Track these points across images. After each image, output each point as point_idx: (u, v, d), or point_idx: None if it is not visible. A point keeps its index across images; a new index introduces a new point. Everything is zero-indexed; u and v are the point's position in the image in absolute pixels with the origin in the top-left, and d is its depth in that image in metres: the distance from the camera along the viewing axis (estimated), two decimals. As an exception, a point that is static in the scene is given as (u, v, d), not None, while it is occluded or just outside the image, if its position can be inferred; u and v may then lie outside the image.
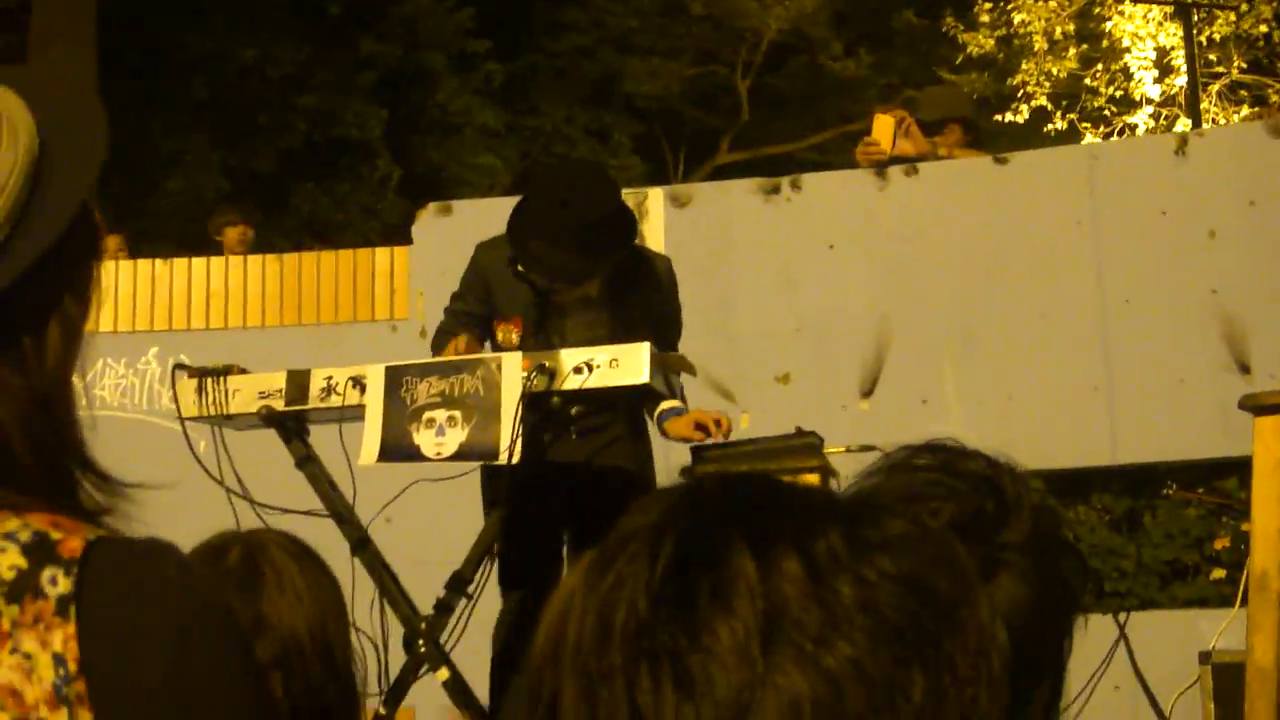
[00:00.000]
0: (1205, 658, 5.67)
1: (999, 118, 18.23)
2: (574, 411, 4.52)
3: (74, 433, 1.21)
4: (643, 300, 4.90)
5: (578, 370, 4.23)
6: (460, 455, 4.32)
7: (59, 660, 1.07)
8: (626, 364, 4.22)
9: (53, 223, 1.17)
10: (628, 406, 4.81)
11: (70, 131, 1.20)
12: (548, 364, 4.24)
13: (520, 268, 4.70)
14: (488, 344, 4.90)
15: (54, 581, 1.09)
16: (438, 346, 4.92)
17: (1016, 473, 1.64)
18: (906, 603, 1.01)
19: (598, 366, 4.22)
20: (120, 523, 1.19)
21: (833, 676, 0.96)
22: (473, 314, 4.93)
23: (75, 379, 1.23)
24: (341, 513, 4.56)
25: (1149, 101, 18.31)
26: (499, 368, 4.30)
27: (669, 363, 4.44)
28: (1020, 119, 18.43)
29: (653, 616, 1.00)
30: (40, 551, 1.10)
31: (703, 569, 1.00)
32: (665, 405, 4.78)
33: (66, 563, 1.09)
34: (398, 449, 4.36)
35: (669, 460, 5.44)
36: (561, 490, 4.60)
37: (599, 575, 1.07)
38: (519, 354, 4.32)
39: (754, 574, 0.98)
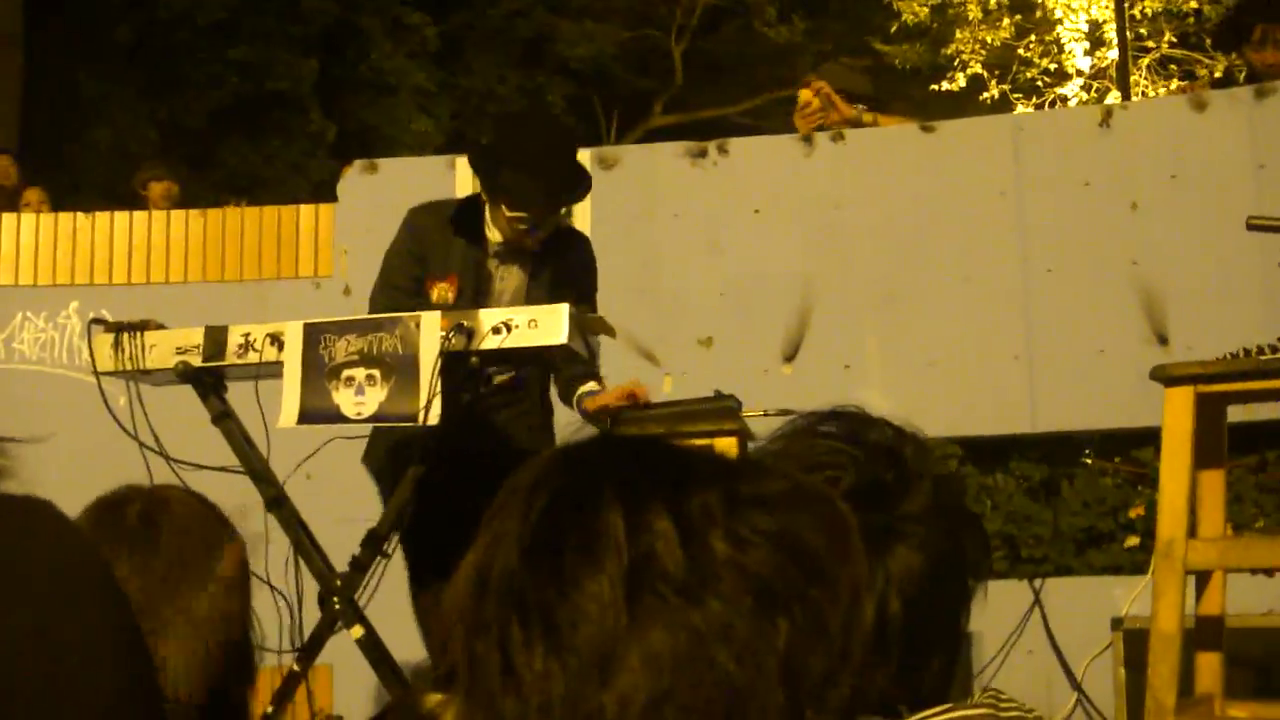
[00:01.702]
0: (1117, 624, 5.75)
1: (934, 87, 18.29)
2: (495, 381, 4.53)
3: None
4: (570, 274, 4.93)
5: (496, 330, 4.22)
6: (379, 417, 4.31)
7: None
8: (545, 324, 4.22)
9: None
10: (537, 389, 4.88)
11: None
12: (466, 323, 4.23)
13: (508, 211, 4.67)
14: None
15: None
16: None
17: (921, 443, 1.66)
18: (778, 560, 1.02)
19: (517, 327, 4.22)
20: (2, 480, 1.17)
21: (697, 630, 0.97)
22: (405, 293, 4.90)
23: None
24: (257, 470, 4.54)
25: (1080, 74, 18.44)
26: (418, 326, 4.28)
27: (588, 324, 4.43)
28: (955, 88, 18.50)
29: (524, 570, 1.01)
30: None
31: (572, 524, 1.01)
32: (584, 388, 4.82)
33: None
34: (317, 411, 4.33)
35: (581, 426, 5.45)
36: (475, 450, 4.59)
37: (482, 532, 1.08)
38: (437, 313, 4.31)
39: (622, 529, 0.99)
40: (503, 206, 4.67)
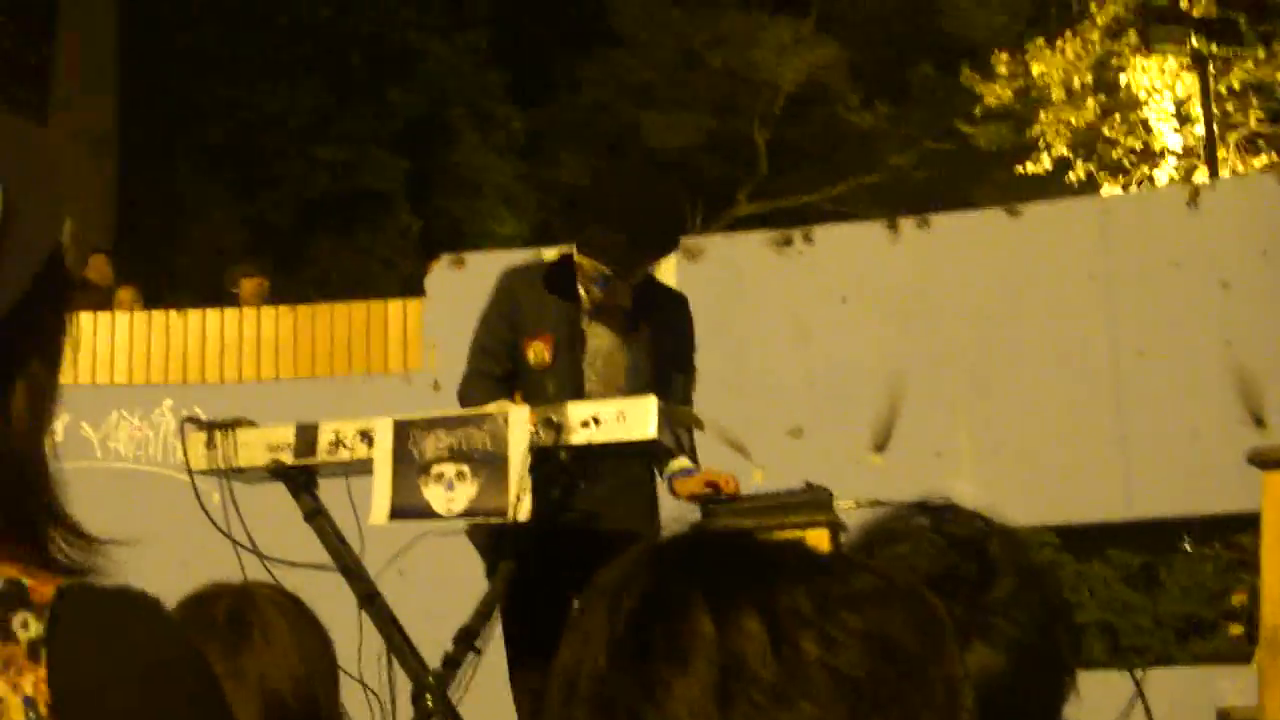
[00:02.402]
0: (1223, 716, 5.63)
1: (1019, 169, 18.24)
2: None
3: (47, 490, 1.21)
4: (665, 336, 4.93)
5: (585, 424, 4.22)
6: (470, 512, 4.31)
7: (29, 703, 1.07)
8: (634, 418, 4.22)
9: (15, 281, 1.16)
10: (638, 461, 4.81)
11: (34, 185, 1.19)
12: (554, 417, 4.24)
13: (579, 257, 4.70)
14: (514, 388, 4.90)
15: (25, 626, 1.09)
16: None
17: (1009, 533, 1.64)
18: (871, 660, 1.01)
19: (604, 420, 4.22)
20: (97, 578, 1.20)
21: None
22: (497, 375, 4.91)
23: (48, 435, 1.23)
24: (350, 567, 4.55)
25: (1171, 153, 18.31)
26: (506, 421, 4.30)
27: (677, 417, 4.43)
28: (1041, 170, 18.43)
29: (612, 674, 1.00)
30: (12, 598, 1.10)
31: (660, 625, 1.01)
32: (676, 465, 4.77)
33: (38, 607, 1.10)
34: (408, 507, 4.35)
35: (684, 519, 5.43)
36: (568, 544, 4.58)
37: (570, 631, 1.08)
38: (525, 408, 4.32)
39: (712, 631, 0.99)
40: (575, 253, 4.71)
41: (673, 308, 5.03)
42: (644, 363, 4.81)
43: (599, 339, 4.88)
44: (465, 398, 4.90)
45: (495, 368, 4.84)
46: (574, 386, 4.76)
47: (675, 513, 5.00)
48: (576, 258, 4.71)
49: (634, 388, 4.75)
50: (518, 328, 4.87)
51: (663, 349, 4.88)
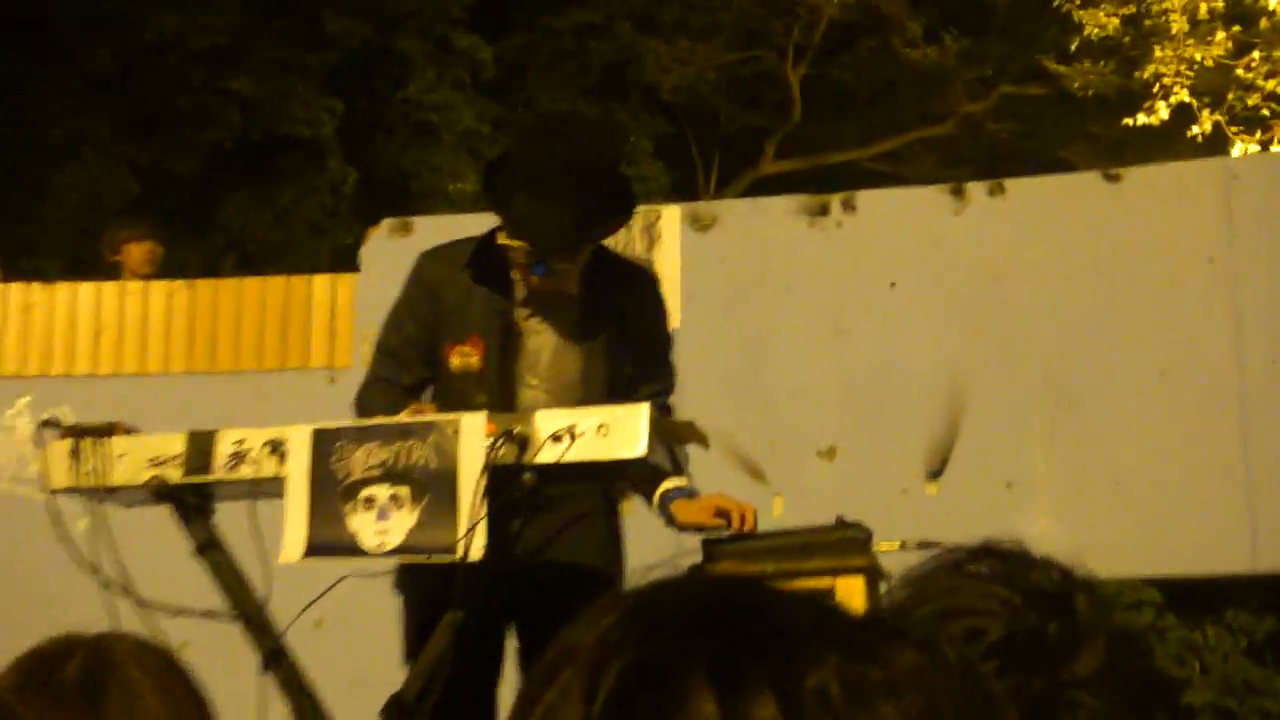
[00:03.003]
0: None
1: (1127, 120, 18.15)
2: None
3: None
4: (631, 328, 4.92)
5: (556, 438, 4.21)
6: (408, 549, 4.30)
7: None
8: (619, 431, 4.21)
9: None
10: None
11: None
12: (518, 429, 4.23)
13: (504, 239, 4.69)
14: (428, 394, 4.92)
15: None
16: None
17: (1095, 591, 1.64)
18: None
19: (582, 434, 4.21)
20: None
21: None
22: (405, 385, 4.91)
23: None
24: (251, 615, 4.54)
25: None
26: (456, 432, 4.29)
27: (674, 432, 4.43)
28: (1154, 121, 18.29)
29: None
30: None
31: (651, 710, 0.99)
32: (670, 484, 4.76)
33: None
34: (328, 541, 4.34)
35: (681, 549, 5.41)
36: (510, 583, 4.57)
37: (526, 707, 1.06)
38: (482, 416, 4.31)
39: (716, 718, 0.97)
40: (500, 235, 4.70)
41: (638, 289, 5.03)
42: (600, 365, 4.82)
43: (539, 337, 4.88)
44: (364, 411, 4.89)
45: (404, 375, 4.87)
46: (508, 398, 4.77)
47: (663, 548, 4.99)
48: (502, 240, 4.71)
49: (591, 397, 4.75)
50: (437, 328, 4.87)
51: (626, 345, 4.87)
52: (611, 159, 4.90)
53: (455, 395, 4.78)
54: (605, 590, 4.94)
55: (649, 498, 4.84)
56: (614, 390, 4.78)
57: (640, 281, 5.06)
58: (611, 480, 4.79)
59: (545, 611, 4.62)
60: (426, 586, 4.67)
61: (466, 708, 4.72)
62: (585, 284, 4.84)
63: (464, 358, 4.83)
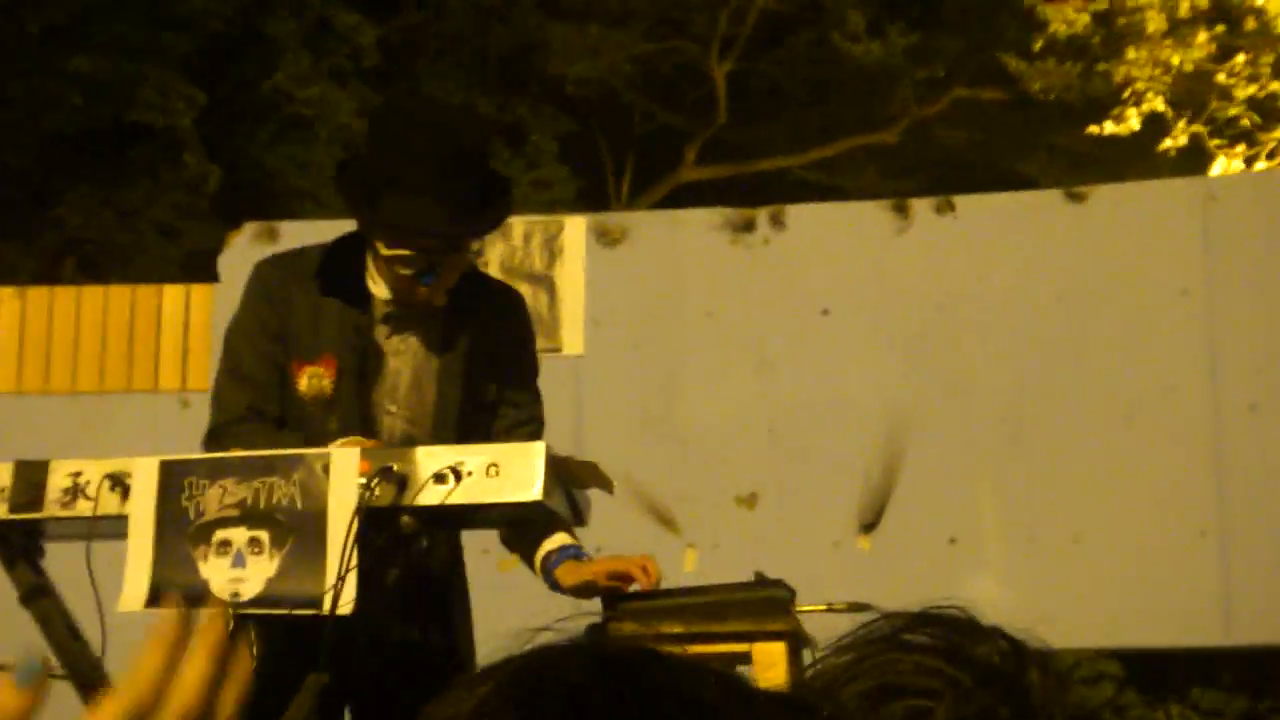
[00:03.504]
0: None
1: (1093, 129, 18.23)
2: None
3: None
4: (498, 349, 4.92)
5: (440, 478, 4.21)
6: (266, 602, 4.28)
7: None
8: (512, 472, 4.21)
9: None
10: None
11: None
12: (396, 467, 4.24)
13: (386, 250, 4.66)
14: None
15: None
16: None
17: (1051, 667, 1.66)
18: None
19: (470, 473, 4.21)
20: None
21: None
22: (274, 417, 4.86)
23: None
24: (85, 672, 4.53)
25: None
26: (326, 470, 4.28)
27: (574, 474, 4.43)
28: (1124, 131, 18.36)
29: None
30: None
31: None
32: (553, 543, 4.76)
33: None
34: (177, 590, 4.33)
35: (578, 606, 5.41)
36: (354, 646, 4.56)
37: None
38: (355, 451, 4.31)
39: None
40: (379, 244, 4.67)
41: (506, 309, 5.03)
42: (456, 389, 4.81)
43: (400, 358, 4.87)
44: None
45: (270, 406, 4.78)
46: (367, 425, 4.75)
47: (561, 605, 4.99)
48: (385, 252, 4.66)
49: (444, 425, 4.76)
50: (285, 342, 4.83)
51: (489, 370, 4.88)
52: (478, 143, 4.88)
53: (302, 424, 4.76)
54: (464, 659, 4.95)
55: (529, 559, 4.82)
56: (471, 419, 4.79)
57: (508, 301, 5.05)
58: (501, 527, 4.79)
59: (387, 694, 4.63)
60: (275, 639, 4.65)
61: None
62: (449, 301, 4.84)
63: (314, 380, 4.78)
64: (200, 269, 11.81)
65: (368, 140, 4.93)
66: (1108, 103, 18.46)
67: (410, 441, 4.64)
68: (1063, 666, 1.66)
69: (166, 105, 18.37)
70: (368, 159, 4.82)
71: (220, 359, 4.98)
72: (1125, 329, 7.08)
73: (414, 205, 4.60)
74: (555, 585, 4.74)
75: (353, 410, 4.73)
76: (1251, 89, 18.13)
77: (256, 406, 4.78)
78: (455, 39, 20.96)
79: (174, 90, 18.44)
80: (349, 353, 4.78)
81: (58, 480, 4.46)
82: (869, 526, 6.98)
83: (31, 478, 4.47)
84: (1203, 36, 18.45)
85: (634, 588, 4.76)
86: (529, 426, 4.93)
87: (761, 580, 4.76)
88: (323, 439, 4.59)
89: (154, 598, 4.33)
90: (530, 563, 4.80)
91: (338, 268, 4.82)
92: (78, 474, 4.45)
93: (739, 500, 7.03)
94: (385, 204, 4.63)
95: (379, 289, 4.77)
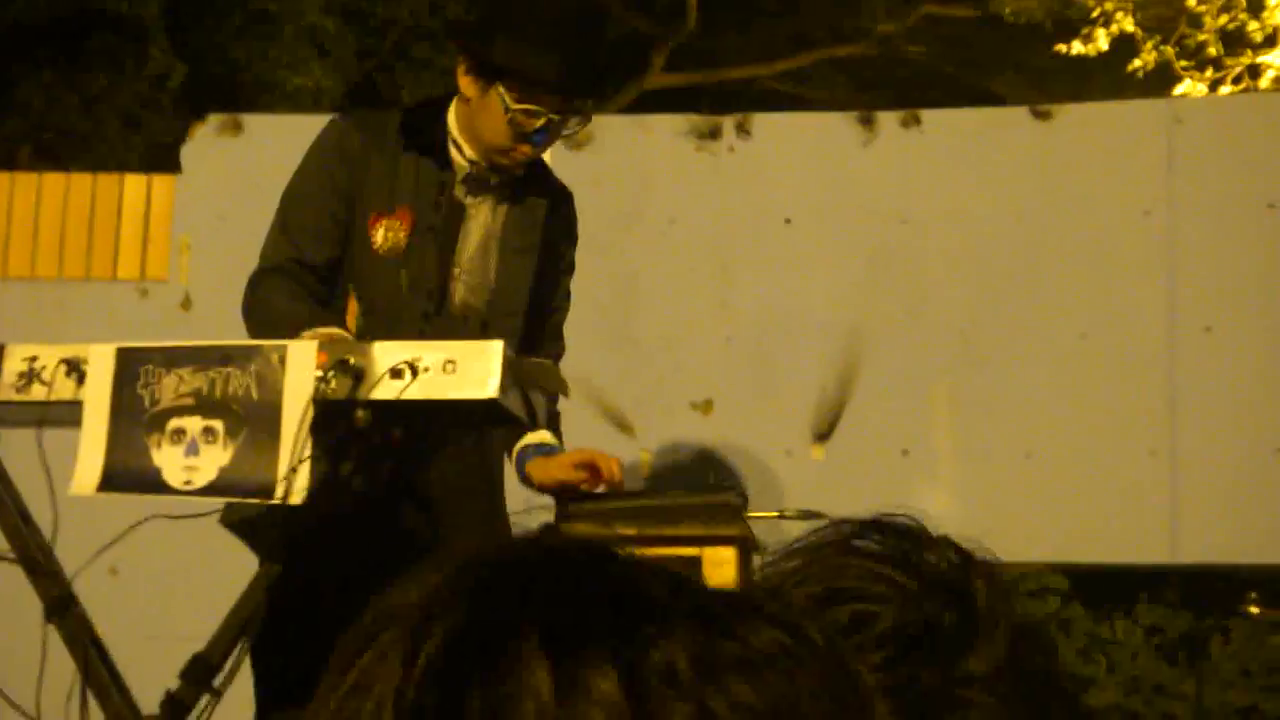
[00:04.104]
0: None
1: (1060, 48, 18.20)
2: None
3: None
4: (557, 236, 4.97)
5: (396, 373, 4.22)
6: (219, 488, 4.30)
7: None
8: (468, 369, 4.23)
9: None
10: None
11: None
12: (353, 360, 4.24)
13: (514, 102, 4.65)
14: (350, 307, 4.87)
15: None
16: (262, 325, 4.79)
17: (998, 579, 1.66)
18: None
19: (426, 370, 4.23)
20: None
21: None
22: (318, 271, 4.84)
23: None
24: (36, 558, 4.54)
25: None
26: (282, 360, 4.29)
27: (531, 375, 4.45)
28: (1092, 52, 18.31)
29: None
30: None
31: (476, 679, 0.99)
32: (532, 438, 4.79)
33: None
34: (128, 474, 4.33)
35: (532, 503, 5.43)
36: (357, 545, 4.58)
37: (339, 674, 1.06)
38: (312, 345, 4.31)
39: (548, 692, 0.98)
40: (501, 93, 4.65)
41: (564, 205, 5.08)
42: (520, 270, 4.84)
43: (472, 222, 4.88)
44: (256, 307, 4.81)
45: (316, 255, 4.78)
46: (437, 286, 4.77)
47: (513, 503, 5.03)
48: (512, 102, 4.66)
49: (501, 307, 4.79)
50: (356, 199, 4.82)
51: (551, 262, 4.92)
52: (600, 10, 4.94)
53: (375, 277, 4.76)
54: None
55: (508, 452, 4.87)
56: (531, 304, 4.85)
57: (566, 199, 5.12)
58: (463, 426, 4.80)
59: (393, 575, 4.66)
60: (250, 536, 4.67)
61: (296, 680, 4.71)
62: (515, 188, 4.88)
63: (391, 232, 4.78)
64: (161, 161, 11.76)
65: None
66: (1077, 23, 18.41)
67: (466, 309, 4.76)
68: (1009, 579, 1.68)
69: (132, -7, 18.25)
70: (496, 5, 4.83)
71: (276, 214, 4.93)
72: (1086, 248, 7.09)
73: (547, 60, 4.61)
74: (525, 478, 4.79)
75: (425, 269, 4.75)
76: (1223, 19, 18.07)
77: (295, 258, 4.78)
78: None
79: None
80: (429, 208, 4.79)
81: (13, 365, 4.46)
82: (823, 436, 7.00)
83: (-14, 361, 4.46)
84: (1173, -42, 18.39)
85: (600, 488, 4.80)
86: (558, 333, 5.03)
87: (714, 485, 4.81)
88: (394, 295, 4.67)
89: (106, 481, 4.34)
90: (504, 452, 4.85)
91: (420, 128, 4.84)
92: (33, 359, 4.45)
93: (694, 406, 7.04)
94: (514, 52, 4.63)
95: (464, 151, 4.79)
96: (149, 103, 18.37)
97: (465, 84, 4.74)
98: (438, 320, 4.74)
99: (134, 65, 18.45)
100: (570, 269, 5.09)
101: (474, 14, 4.90)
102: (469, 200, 4.82)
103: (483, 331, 4.70)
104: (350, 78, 19.79)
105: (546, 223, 4.93)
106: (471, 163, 4.79)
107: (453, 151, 4.81)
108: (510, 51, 4.61)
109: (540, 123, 4.66)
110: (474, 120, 4.74)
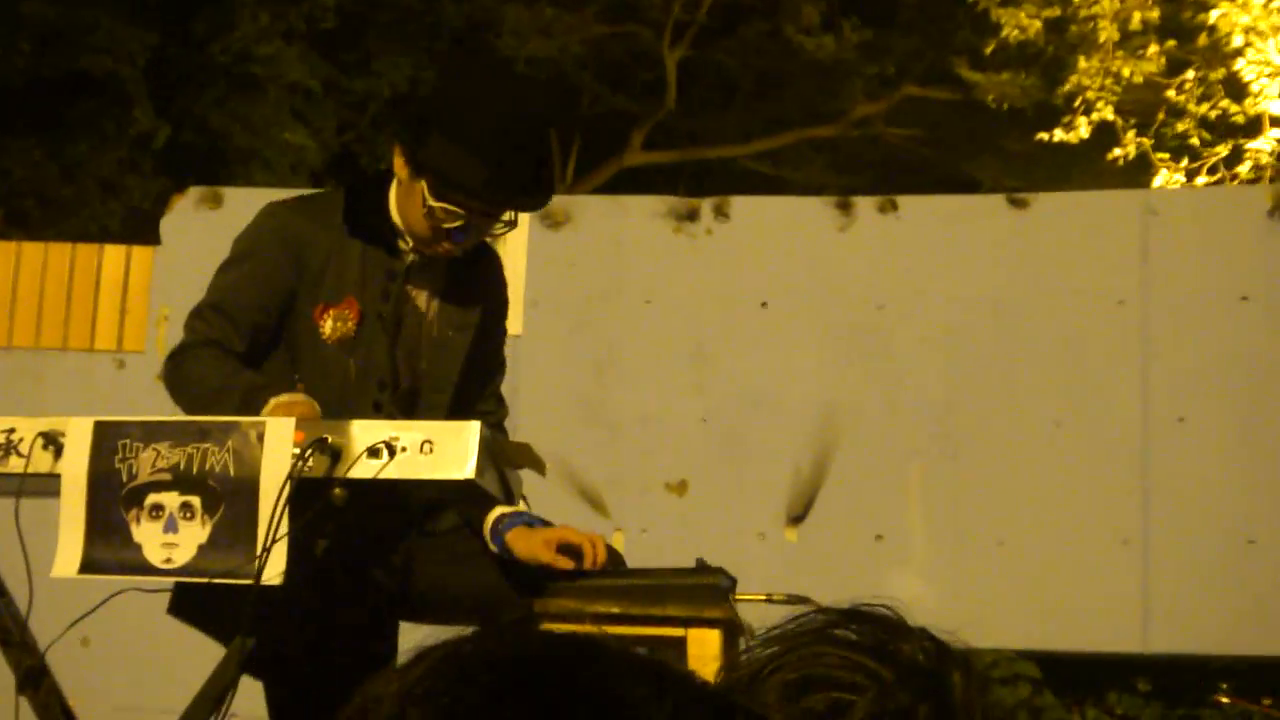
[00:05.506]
0: None
1: (1042, 136, 18.23)
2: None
3: None
4: (490, 307, 4.96)
5: (374, 452, 4.22)
6: (195, 569, 4.29)
7: None
8: (445, 449, 4.22)
9: None
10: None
11: None
12: (331, 439, 4.24)
13: (432, 200, 4.62)
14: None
15: None
16: (202, 393, 4.75)
17: (974, 669, 1.68)
18: None
19: (404, 449, 4.23)
20: None
21: None
22: (239, 351, 4.80)
23: None
24: (9, 630, 4.53)
25: (1275, 123, 17.96)
26: (260, 437, 4.29)
27: (507, 454, 4.45)
28: (1073, 139, 18.32)
29: None
30: None
31: None
32: (504, 509, 4.77)
33: None
34: (109, 557, 4.31)
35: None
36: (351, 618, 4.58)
37: None
38: (290, 423, 4.31)
39: None
40: (423, 187, 4.62)
41: (490, 267, 5.06)
42: (456, 347, 4.83)
43: (417, 305, 4.87)
44: (186, 382, 4.75)
45: (239, 341, 4.69)
46: (385, 374, 4.76)
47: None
48: (430, 199, 4.62)
49: (432, 384, 4.79)
50: (297, 292, 4.77)
51: (486, 329, 4.91)
52: (546, 122, 4.88)
53: (321, 366, 4.70)
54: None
55: (479, 523, 4.83)
56: (478, 380, 4.85)
57: (495, 263, 5.09)
58: (440, 503, 4.80)
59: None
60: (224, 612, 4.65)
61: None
62: (454, 268, 4.87)
63: (340, 322, 4.74)
64: (139, 226, 11.76)
65: (439, 85, 4.92)
66: (1058, 110, 18.45)
67: (411, 394, 4.73)
68: (981, 665, 1.70)
69: (116, 52, 18.24)
70: (435, 102, 4.81)
71: (208, 290, 4.81)
72: (1061, 336, 7.12)
73: (472, 164, 4.58)
74: (504, 549, 4.72)
75: (373, 356, 4.71)
76: (1204, 107, 18.07)
77: (221, 339, 4.66)
78: (409, 11, 20.88)
79: (124, 37, 18.31)
80: (377, 296, 4.76)
81: (-10, 436, 4.45)
82: (797, 519, 7.01)
83: (-37, 433, 4.46)
84: (1154, 49, 18.42)
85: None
86: (501, 413, 5.01)
87: (702, 567, 4.78)
88: (343, 384, 4.63)
89: (88, 564, 4.33)
90: (479, 526, 4.80)
91: (364, 211, 4.80)
92: (10, 431, 4.44)
93: (669, 487, 7.06)
94: (441, 153, 4.61)
95: (404, 239, 4.77)
96: (130, 166, 18.34)
97: (398, 165, 4.71)
98: (389, 408, 4.72)
99: (116, 128, 18.43)
100: (505, 331, 5.08)
101: (415, 105, 4.83)
102: (411, 286, 4.80)
103: (413, 409, 4.70)
104: (330, 148, 19.80)
105: (484, 295, 4.92)
106: (416, 248, 4.76)
107: (399, 226, 4.78)
108: (437, 152, 4.57)
109: (458, 223, 4.63)
110: (403, 204, 4.73)
